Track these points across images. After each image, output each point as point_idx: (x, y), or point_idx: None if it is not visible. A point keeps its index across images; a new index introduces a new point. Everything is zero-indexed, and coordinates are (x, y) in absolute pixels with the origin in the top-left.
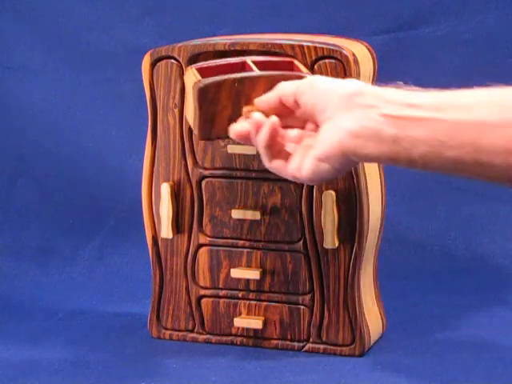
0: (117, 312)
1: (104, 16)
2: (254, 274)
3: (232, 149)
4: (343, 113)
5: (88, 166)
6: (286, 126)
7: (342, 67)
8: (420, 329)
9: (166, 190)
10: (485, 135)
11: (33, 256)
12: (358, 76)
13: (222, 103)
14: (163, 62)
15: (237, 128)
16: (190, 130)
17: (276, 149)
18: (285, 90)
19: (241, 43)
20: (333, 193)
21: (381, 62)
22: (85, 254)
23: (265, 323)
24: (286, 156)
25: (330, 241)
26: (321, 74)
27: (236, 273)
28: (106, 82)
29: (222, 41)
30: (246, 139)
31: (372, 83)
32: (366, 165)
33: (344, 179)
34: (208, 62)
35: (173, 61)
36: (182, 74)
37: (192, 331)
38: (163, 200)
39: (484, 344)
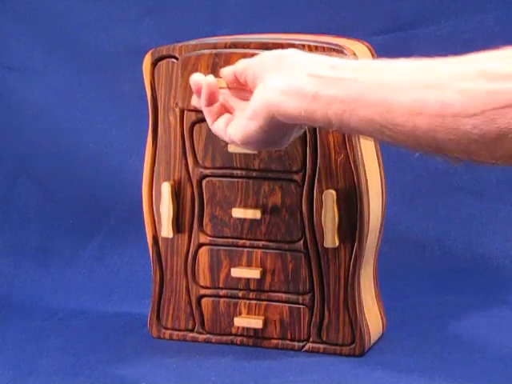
0: (117, 312)
1: (104, 16)
2: (254, 274)
3: (233, 148)
4: (273, 73)
5: (88, 166)
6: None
7: None
8: (420, 329)
9: (166, 189)
10: (394, 96)
11: (33, 256)
12: None
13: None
14: (164, 61)
15: (196, 78)
16: (191, 130)
17: (219, 112)
18: (238, 65)
19: (241, 43)
20: (333, 192)
21: None
22: (85, 254)
23: (265, 323)
24: (228, 121)
25: (331, 240)
26: None
27: (236, 272)
28: (106, 82)
29: (222, 41)
30: (198, 92)
31: None
32: (367, 164)
33: (344, 179)
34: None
35: (174, 60)
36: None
37: (192, 331)
38: (164, 199)
39: (484, 344)
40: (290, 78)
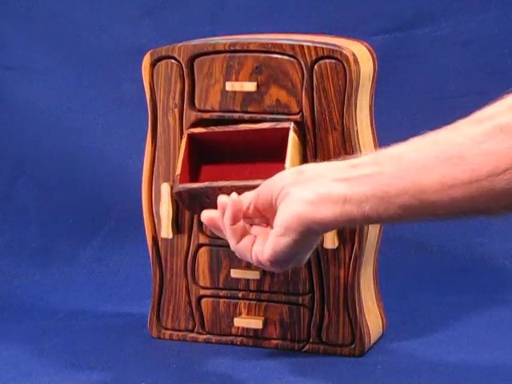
0: (117, 312)
1: (104, 16)
2: (253, 274)
3: (236, 274)
4: (296, 187)
5: (88, 165)
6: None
7: (341, 67)
8: (420, 329)
9: (166, 189)
10: (421, 177)
11: (33, 256)
12: (358, 76)
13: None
14: (163, 61)
15: (206, 214)
16: None
17: (242, 233)
18: (243, 196)
19: (241, 43)
20: None
21: (381, 62)
22: (85, 254)
23: (265, 323)
24: (251, 240)
25: (330, 241)
26: (321, 73)
27: (236, 273)
28: (106, 82)
29: (221, 41)
30: (214, 225)
31: (372, 83)
32: None
33: None
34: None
35: (173, 61)
36: (182, 74)
37: (192, 331)
38: (163, 200)
39: (484, 344)
40: (317, 188)
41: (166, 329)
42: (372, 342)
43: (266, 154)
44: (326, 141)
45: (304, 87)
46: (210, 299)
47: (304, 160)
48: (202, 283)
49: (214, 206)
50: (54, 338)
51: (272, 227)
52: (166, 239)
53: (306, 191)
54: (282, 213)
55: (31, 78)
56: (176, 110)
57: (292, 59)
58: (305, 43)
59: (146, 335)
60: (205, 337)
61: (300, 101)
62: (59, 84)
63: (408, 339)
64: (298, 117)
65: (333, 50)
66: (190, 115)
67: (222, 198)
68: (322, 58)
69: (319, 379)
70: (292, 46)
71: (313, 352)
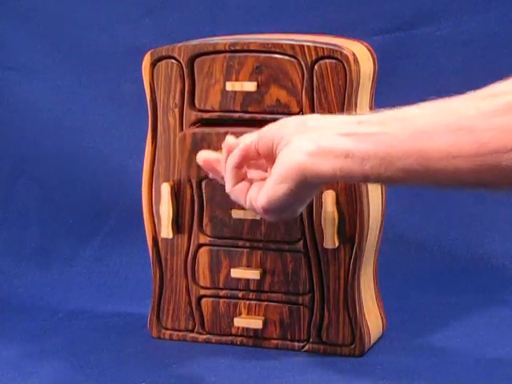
0: (117, 312)
1: (104, 16)
2: (254, 274)
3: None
4: (299, 136)
5: (88, 165)
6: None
7: (341, 67)
8: (420, 329)
9: (166, 189)
10: (428, 142)
11: (33, 256)
12: (358, 76)
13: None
14: (163, 61)
15: (203, 154)
16: None
17: (240, 175)
18: (245, 138)
19: (241, 43)
20: (333, 193)
21: (381, 62)
22: (85, 254)
23: (265, 323)
24: (249, 186)
25: (330, 241)
26: (321, 73)
27: (236, 273)
28: (106, 82)
29: (222, 41)
30: (210, 166)
31: (372, 83)
32: None
33: None
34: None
35: (173, 61)
36: (182, 74)
37: (192, 331)
38: (163, 200)
39: (484, 344)
40: (319, 140)
41: (166, 329)
42: (372, 342)
43: None
44: None
45: (304, 87)
46: (210, 299)
47: None
48: (202, 283)
49: None
50: (54, 337)
51: (269, 173)
52: (166, 239)
53: (307, 142)
54: (280, 161)
55: (31, 77)
56: (176, 110)
57: (292, 59)
58: (305, 43)
59: (146, 335)
60: (205, 337)
61: (300, 101)
62: (59, 84)
63: (408, 339)
64: None
65: (333, 50)
66: (190, 115)
67: (230, 139)
68: (322, 57)
69: (319, 379)
70: (292, 46)
71: (313, 352)
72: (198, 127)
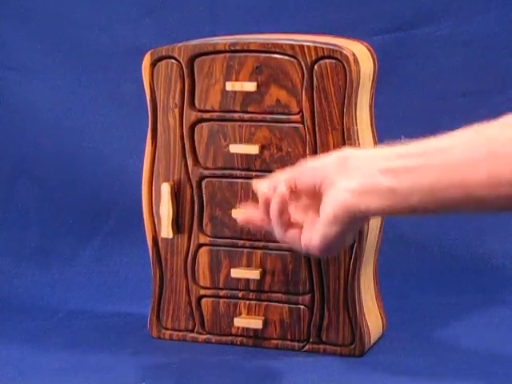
0: (117, 312)
1: (104, 16)
2: (254, 274)
3: (234, 149)
4: (342, 176)
5: (88, 165)
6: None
7: (341, 67)
8: (420, 329)
9: (166, 189)
10: (469, 172)
11: (33, 256)
12: (358, 76)
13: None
14: (163, 61)
15: (241, 215)
16: (191, 130)
17: (287, 221)
18: (280, 185)
19: (241, 43)
20: None
21: (381, 62)
22: (85, 254)
23: (265, 323)
24: (297, 228)
25: None
26: (321, 73)
27: (236, 273)
28: (106, 82)
29: (222, 41)
30: (252, 222)
31: (372, 83)
32: None
33: None
34: None
35: (173, 61)
36: (182, 74)
37: (192, 331)
38: (163, 200)
39: (484, 344)
40: (363, 178)
41: (166, 329)
42: (372, 342)
43: None
44: (326, 141)
45: (304, 87)
46: (210, 299)
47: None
48: (202, 283)
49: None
50: (54, 337)
51: (313, 211)
52: (166, 239)
53: (351, 181)
54: (327, 202)
55: (31, 77)
56: (176, 110)
57: (292, 59)
58: (305, 43)
59: (146, 335)
60: (205, 337)
61: (300, 101)
62: (59, 84)
63: (408, 339)
64: (298, 117)
65: (333, 50)
66: (190, 115)
67: (262, 187)
68: (322, 57)
69: (319, 379)
70: (292, 46)
71: (313, 352)
72: None
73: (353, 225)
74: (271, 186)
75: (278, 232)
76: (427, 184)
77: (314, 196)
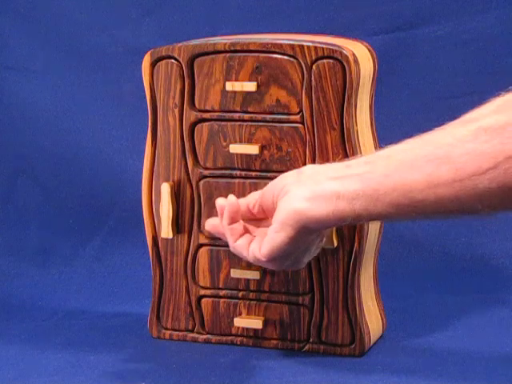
0: (117, 312)
1: (104, 16)
2: (253, 274)
3: (234, 149)
4: (296, 185)
5: (88, 166)
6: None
7: (341, 67)
8: (420, 329)
9: (166, 189)
10: (409, 175)
11: (33, 256)
12: (357, 76)
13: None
14: (163, 61)
15: (210, 222)
16: (191, 130)
17: (241, 232)
18: (250, 196)
19: (241, 43)
20: None
21: (381, 61)
22: (85, 254)
23: (265, 323)
24: (251, 240)
25: (330, 241)
26: (321, 73)
27: (236, 273)
28: (105, 82)
29: (222, 41)
30: (217, 231)
31: (372, 83)
32: None
33: None
34: None
35: (173, 61)
36: (182, 74)
37: (192, 331)
38: (163, 200)
39: (484, 344)
40: (313, 185)
41: (166, 329)
42: (372, 342)
43: None
44: (325, 140)
45: (304, 87)
46: (210, 299)
47: (304, 161)
48: (202, 283)
49: None
50: (54, 337)
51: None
52: (166, 239)
53: (303, 189)
54: (280, 209)
55: (31, 77)
56: (176, 110)
57: (292, 59)
58: (305, 43)
59: (146, 335)
60: (205, 337)
61: (300, 101)
62: (59, 84)
63: (408, 339)
64: (297, 117)
65: (333, 50)
66: (190, 115)
67: (219, 201)
68: (322, 57)
69: (319, 379)
70: (292, 46)
71: (313, 352)
72: None
73: (301, 233)
74: (231, 198)
75: (228, 240)
76: (370, 188)
77: (273, 208)
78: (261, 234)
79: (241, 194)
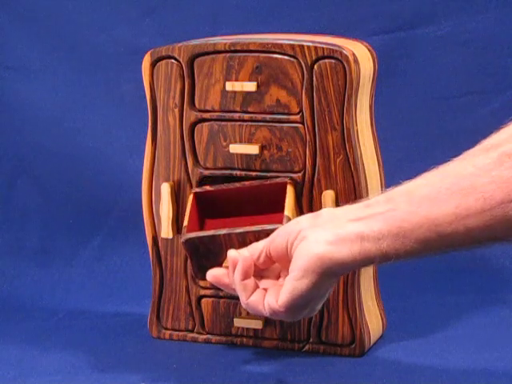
0: (117, 312)
1: (104, 16)
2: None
3: (234, 149)
4: (314, 229)
5: (88, 165)
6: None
7: (341, 67)
8: (420, 329)
9: (166, 189)
10: (435, 209)
11: (33, 256)
12: (358, 76)
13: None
14: (163, 61)
15: (212, 272)
16: (191, 130)
17: (253, 288)
18: (254, 246)
19: (241, 43)
20: (332, 193)
21: (381, 61)
22: (85, 254)
23: (265, 323)
24: (264, 294)
25: None
26: (321, 73)
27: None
28: (106, 82)
29: (222, 41)
30: (220, 282)
31: (372, 83)
32: (366, 164)
33: (344, 179)
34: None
35: (173, 61)
36: (182, 74)
37: (192, 331)
38: (163, 200)
39: (484, 344)
40: (334, 228)
41: (166, 329)
42: (372, 342)
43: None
44: (325, 140)
45: (304, 87)
46: (210, 299)
47: (304, 161)
48: (202, 283)
49: (220, 258)
50: (54, 337)
51: (284, 276)
52: (166, 239)
53: (323, 232)
54: (299, 256)
55: (31, 77)
56: (176, 110)
57: (292, 59)
58: (305, 43)
59: (146, 335)
60: (205, 337)
61: (300, 101)
62: (59, 84)
63: (408, 339)
64: (298, 117)
65: (333, 50)
66: (190, 115)
67: (232, 253)
68: (322, 57)
69: (319, 379)
70: (292, 46)
71: (313, 352)
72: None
73: (325, 278)
74: (244, 252)
75: (240, 296)
76: (395, 226)
77: (285, 259)
78: (273, 287)
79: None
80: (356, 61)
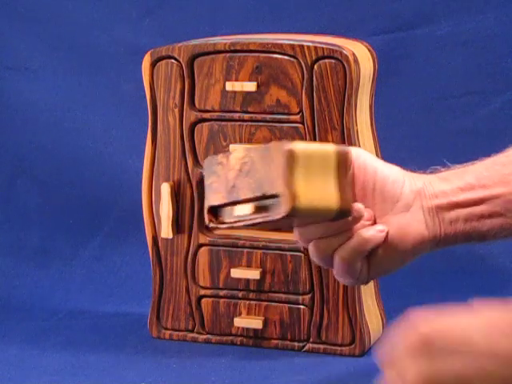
0: (117, 312)
1: (104, 16)
2: (254, 274)
3: (234, 149)
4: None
5: (88, 165)
6: None
7: (341, 67)
8: None
9: (166, 189)
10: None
11: (33, 256)
12: (358, 76)
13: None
14: (163, 61)
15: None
16: (190, 130)
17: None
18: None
19: (241, 43)
20: None
21: (381, 61)
22: (85, 254)
23: (265, 323)
24: None
25: None
26: (321, 73)
27: (236, 273)
28: (106, 82)
29: (222, 41)
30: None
31: (372, 83)
32: None
33: None
34: None
35: (173, 61)
36: (182, 74)
37: (192, 331)
38: (163, 200)
39: None
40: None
41: (166, 329)
42: (372, 342)
43: None
44: (325, 140)
45: (304, 87)
46: (210, 299)
47: None
48: (201, 283)
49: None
50: (54, 337)
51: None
52: (166, 239)
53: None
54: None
55: (31, 78)
56: (176, 110)
57: (292, 59)
58: (305, 43)
59: (146, 335)
60: (205, 337)
61: (300, 101)
62: (59, 84)
63: None
64: (297, 117)
65: (333, 50)
66: (190, 115)
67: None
68: (322, 57)
69: (319, 379)
70: (292, 46)
71: (313, 352)
72: None
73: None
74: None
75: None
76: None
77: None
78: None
79: None
80: (356, 61)
